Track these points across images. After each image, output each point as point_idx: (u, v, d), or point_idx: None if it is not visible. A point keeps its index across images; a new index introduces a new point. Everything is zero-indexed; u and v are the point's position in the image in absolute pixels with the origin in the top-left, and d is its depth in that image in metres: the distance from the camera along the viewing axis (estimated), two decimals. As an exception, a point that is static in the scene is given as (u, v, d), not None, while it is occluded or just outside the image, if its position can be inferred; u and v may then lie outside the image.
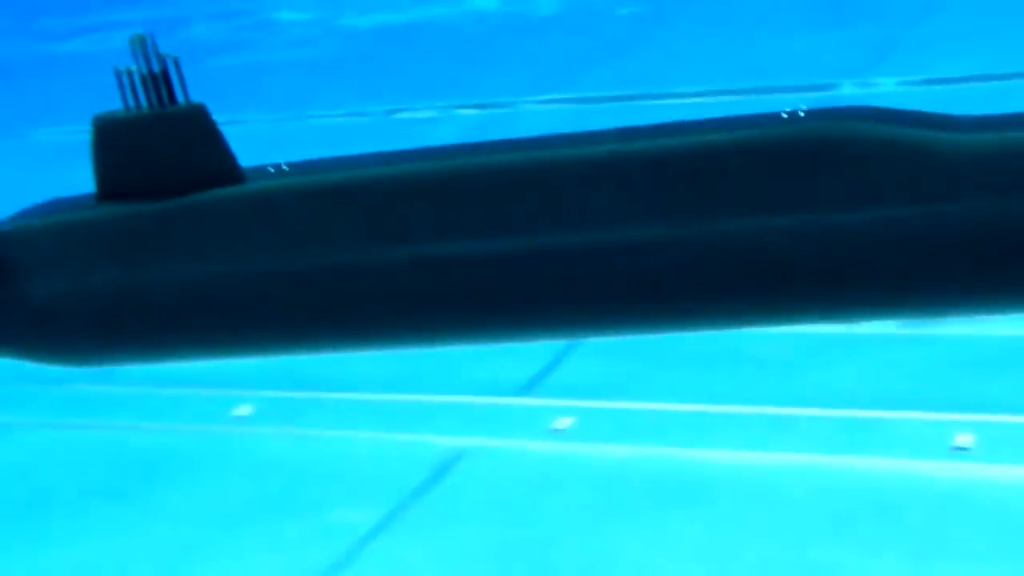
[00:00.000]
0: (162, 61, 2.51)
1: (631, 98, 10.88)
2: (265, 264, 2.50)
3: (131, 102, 2.52)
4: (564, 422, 6.06)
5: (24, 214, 2.68)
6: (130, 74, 2.51)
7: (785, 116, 2.35)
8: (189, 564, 5.44)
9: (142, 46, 2.50)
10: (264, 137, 11.28)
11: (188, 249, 2.54)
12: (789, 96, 9.98)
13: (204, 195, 2.52)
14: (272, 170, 2.58)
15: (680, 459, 5.63)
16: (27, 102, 14.09)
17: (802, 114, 2.35)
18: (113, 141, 2.57)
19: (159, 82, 2.51)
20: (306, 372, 6.93)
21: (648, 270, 2.35)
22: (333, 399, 6.56)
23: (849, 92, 10.23)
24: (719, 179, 2.32)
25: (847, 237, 2.28)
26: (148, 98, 2.51)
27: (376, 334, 2.58)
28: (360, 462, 6.04)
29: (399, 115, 11.57)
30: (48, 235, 2.63)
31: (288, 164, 2.60)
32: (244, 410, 6.64)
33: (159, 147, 2.54)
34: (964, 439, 5.50)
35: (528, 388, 6.35)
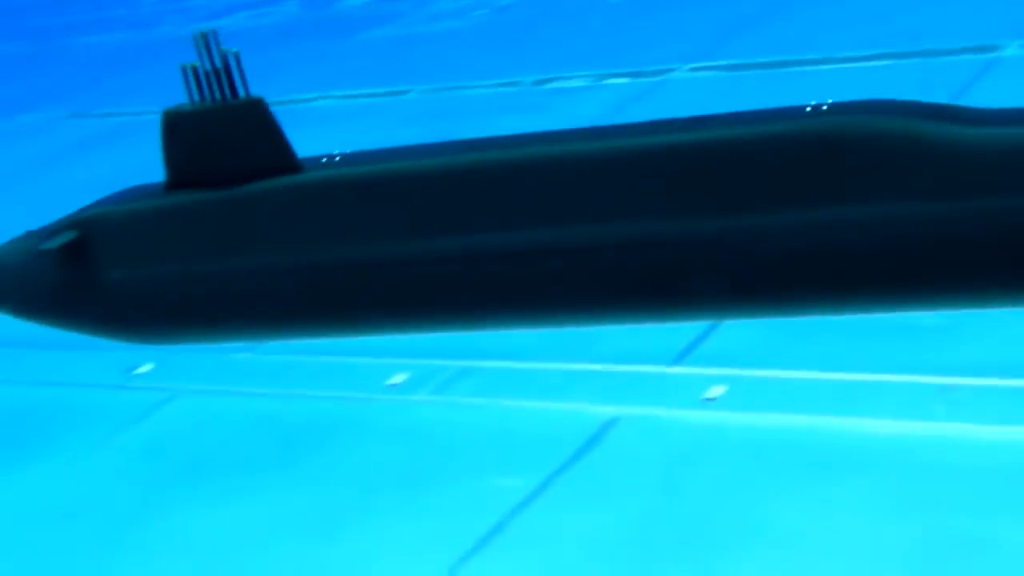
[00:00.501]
0: (224, 57, 2.63)
1: (782, 64, 10.72)
2: (320, 250, 2.60)
3: (196, 96, 2.66)
4: (716, 391, 6.02)
5: (103, 201, 2.87)
6: (195, 70, 2.65)
7: (809, 110, 2.36)
8: (344, 529, 5.54)
9: (205, 43, 2.62)
10: (420, 108, 11.38)
11: (248, 236, 2.67)
12: (944, 59, 9.74)
13: (263, 184, 2.64)
14: (326, 160, 2.69)
15: (835, 428, 5.56)
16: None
17: (825, 108, 2.36)
18: (179, 133, 2.72)
19: (221, 77, 2.63)
20: (460, 341, 6.98)
21: (674, 261, 2.40)
22: (486, 367, 6.60)
23: (1012, 53, 9.94)
24: (743, 173, 2.34)
25: (861, 230, 2.28)
26: (211, 92, 2.65)
27: (424, 318, 2.67)
28: (513, 430, 6.08)
29: (549, 85, 11.56)
30: (122, 222, 2.80)
31: (342, 154, 2.71)
32: (399, 378, 6.72)
33: (222, 139, 2.67)
34: None
35: (680, 357, 6.32)
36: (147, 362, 7.23)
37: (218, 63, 2.64)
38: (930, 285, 2.33)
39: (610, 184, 2.41)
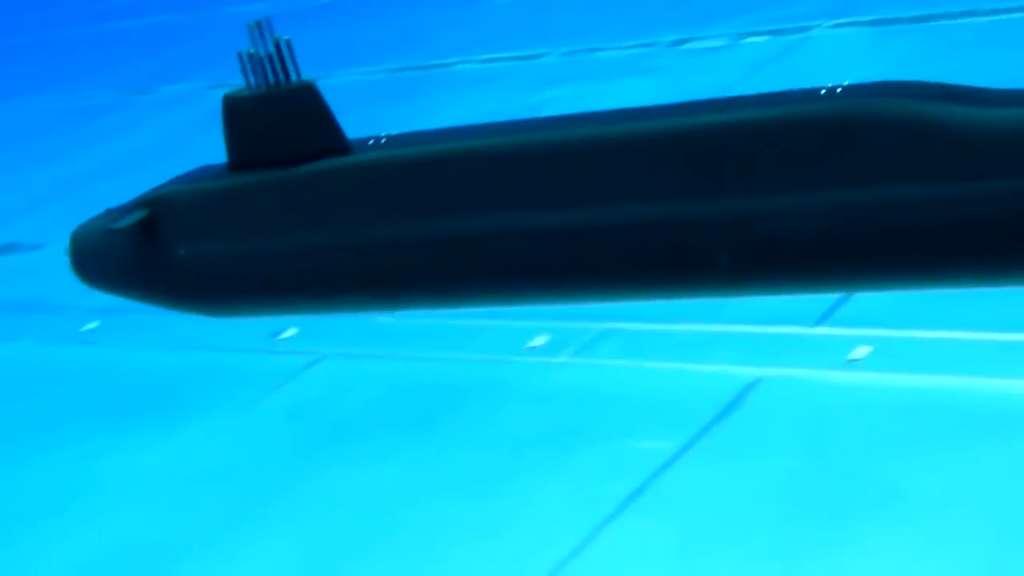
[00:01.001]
0: (277, 43, 2.78)
1: (926, 19, 10.47)
2: (367, 229, 2.74)
3: (252, 81, 2.82)
4: (861, 352, 5.93)
5: (173, 181, 3.08)
6: (251, 56, 2.79)
7: (823, 92, 2.40)
8: (487, 491, 5.59)
9: (259, 30, 2.76)
10: (557, 72, 11.36)
11: (301, 215, 2.81)
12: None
13: (315, 165, 2.78)
14: (372, 142, 2.83)
15: (983, 389, 5.45)
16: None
17: (839, 91, 2.40)
18: (238, 117, 2.90)
19: (275, 62, 2.78)
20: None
21: (691, 242, 2.49)
22: (628, 329, 6.59)
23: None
24: (759, 155, 2.39)
25: (874, 212, 2.32)
26: (266, 77, 2.80)
27: (464, 293, 2.82)
28: (655, 392, 6.06)
29: (687, 45, 11.45)
30: (186, 201, 3.00)
31: (388, 136, 2.84)
32: (540, 340, 6.74)
33: (276, 122, 2.83)
34: None
35: (824, 318, 6.24)
36: (291, 327, 7.36)
37: (271, 49, 2.77)
38: (946, 265, 2.37)
39: (643, 166, 2.49)
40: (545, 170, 2.56)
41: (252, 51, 2.81)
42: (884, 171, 2.31)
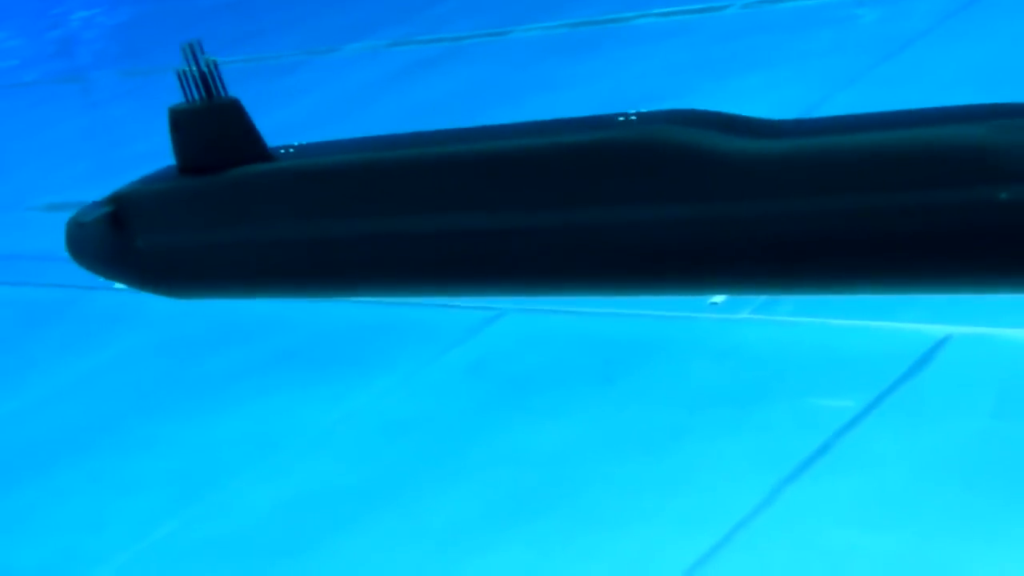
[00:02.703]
0: (208, 64, 3.27)
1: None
2: (285, 226, 3.23)
3: (188, 96, 3.31)
4: (1056, 310, 5.75)
5: (140, 180, 3.55)
6: (185, 74, 3.28)
7: (621, 120, 2.77)
8: (666, 447, 5.59)
9: (191, 51, 3.27)
10: (738, 24, 11.20)
11: (231, 213, 3.31)
12: None
13: (240, 170, 3.28)
14: (283, 151, 3.34)
15: None
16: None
17: (634, 118, 2.77)
18: (181, 127, 3.38)
19: (207, 80, 3.27)
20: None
21: (498, 251, 2.93)
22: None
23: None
24: (562, 175, 2.79)
25: (641, 232, 2.70)
26: (199, 92, 3.29)
27: (362, 285, 3.30)
28: (839, 350, 5.98)
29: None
30: (140, 199, 3.49)
31: (296, 145, 3.37)
32: (721, 297, 6.69)
33: (210, 132, 3.32)
34: None
35: (1016, 275, 6.06)
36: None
37: (203, 67, 3.26)
38: (713, 276, 2.76)
39: (477, 181, 2.93)
40: (420, 181, 3.04)
41: (185, 70, 3.29)
42: (661, 191, 2.68)
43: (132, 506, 6.39)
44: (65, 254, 3.74)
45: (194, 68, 3.26)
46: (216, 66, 3.27)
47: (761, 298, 6.56)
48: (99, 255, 3.64)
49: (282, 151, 3.34)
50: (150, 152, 13.05)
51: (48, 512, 6.57)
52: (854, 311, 6.21)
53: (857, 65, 9.35)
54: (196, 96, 3.30)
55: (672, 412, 5.86)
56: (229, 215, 3.33)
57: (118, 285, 3.77)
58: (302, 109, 12.80)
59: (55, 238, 4.02)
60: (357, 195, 3.12)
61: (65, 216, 3.66)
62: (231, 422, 6.89)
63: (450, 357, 6.87)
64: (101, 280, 3.93)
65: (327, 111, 12.57)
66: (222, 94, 3.31)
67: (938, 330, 5.82)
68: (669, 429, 5.72)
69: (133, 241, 3.48)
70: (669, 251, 2.72)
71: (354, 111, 12.36)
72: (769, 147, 2.59)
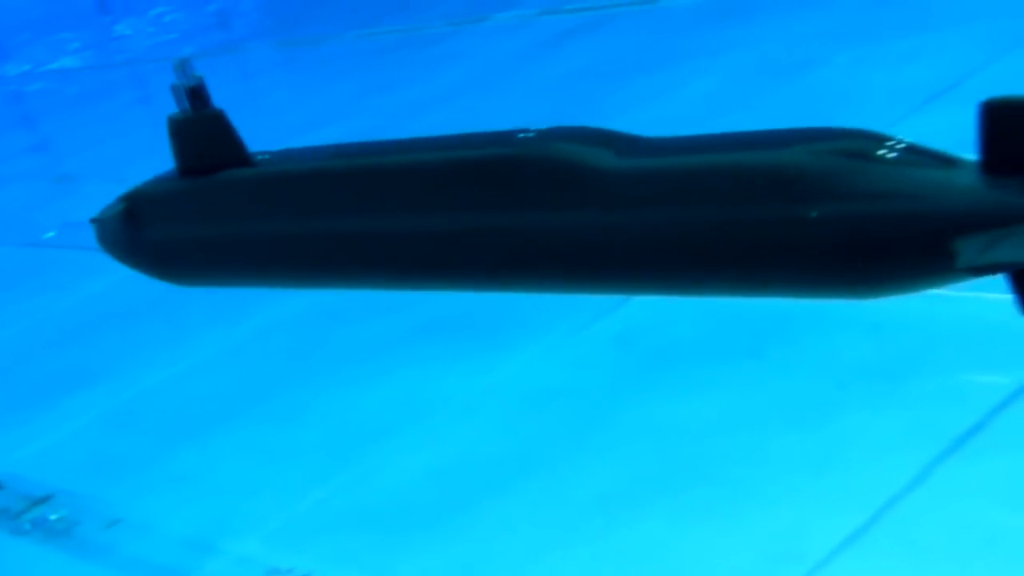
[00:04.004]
0: (195, 78, 3.65)
1: None
2: (260, 224, 3.64)
3: (182, 107, 3.68)
4: None
5: (148, 181, 3.94)
6: (179, 88, 3.65)
7: (520, 136, 3.16)
8: (815, 422, 5.51)
9: (182, 68, 3.65)
10: None
11: (216, 211, 3.74)
12: None
13: (223, 175, 3.70)
14: (259, 158, 3.72)
15: None
16: None
17: (533, 134, 3.15)
18: (178, 134, 3.76)
19: (195, 93, 3.65)
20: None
21: (421, 250, 3.35)
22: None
23: None
24: (468, 185, 3.20)
25: (524, 236, 3.10)
26: (191, 104, 3.67)
27: (332, 279, 3.69)
28: (994, 324, 5.80)
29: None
30: (148, 198, 3.91)
31: (271, 152, 3.75)
32: (871, 269, 6.56)
33: (199, 140, 3.74)
34: None
35: None
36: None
37: (193, 83, 3.65)
38: (573, 277, 3.15)
39: (407, 187, 3.36)
40: (361, 187, 3.45)
41: (178, 84, 3.67)
42: (544, 200, 3.05)
43: (283, 473, 6.50)
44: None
45: (185, 83, 3.67)
46: (204, 81, 3.70)
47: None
48: (118, 246, 4.06)
49: (259, 157, 3.77)
50: (303, 123, 13.29)
51: (201, 478, 6.71)
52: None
53: (1017, 28, 9.07)
54: (192, 106, 3.71)
55: (821, 387, 5.77)
56: (215, 213, 3.78)
57: None
58: (452, 79, 12.86)
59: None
60: (309, 198, 3.58)
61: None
62: (379, 391, 6.96)
63: (596, 328, 6.85)
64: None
65: (476, 80, 12.61)
66: (210, 106, 3.73)
67: (1100, 305, 5.62)
68: (817, 404, 5.64)
69: (143, 235, 3.95)
70: (553, 254, 3.10)
71: (503, 79, 12.38)
72: (631, 164, 2.96)
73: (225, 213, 3.73)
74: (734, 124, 9.45)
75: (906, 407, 5.41)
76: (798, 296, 2.94)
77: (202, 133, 3.74)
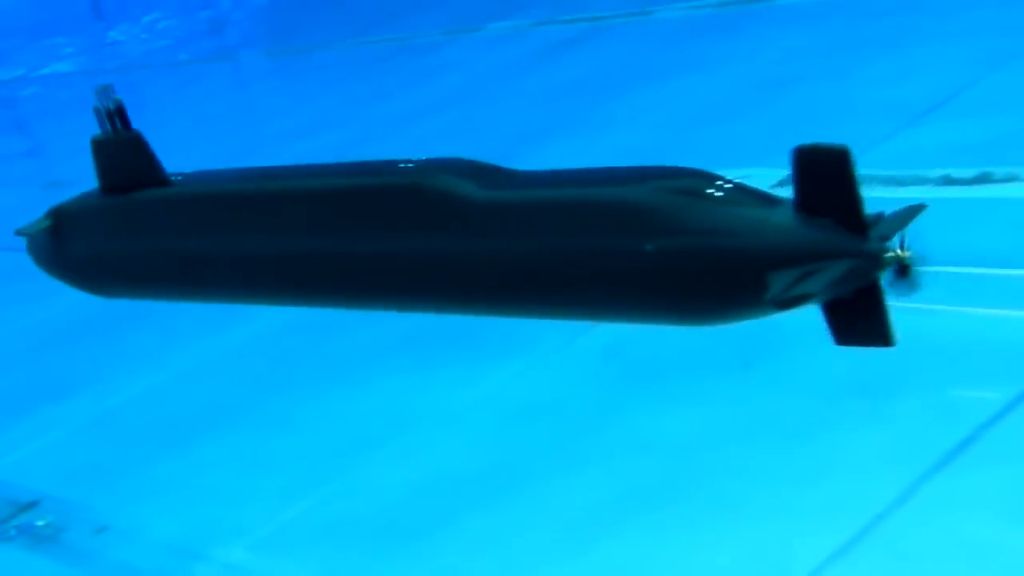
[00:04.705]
0: (116, 101, 3.86)
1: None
2: (179, 239, 3.85)
3: (104, 129, 3.90)
4: None
5: (72, 199, 4.13)
6: (99, 111, 3.87)
7: (400, 166, 3.45)
8: (803, 436, 5.49)
9: (104, 93, 3.86)
10: (882, 6, 10.96)
11: (132, 228, 3.95)
12: None
13: (140, 194, 3.91)
14: (173, 178, 3.94)
15: None
16: None
17: (411, 165, 3.43)
18: (101, 154, 3.97)
19: (114, 116, 3.87)
20: (925, 245, 6.72)
21: (320, 267, 3.58)
22: (952, 273, 6.32)
23: None
24: (353, 210, 3.47)
25: (393, 261, 3.38)
26: (112, 126, 3.89)
27: (241, 294, 3.93)
28: (983, 340, 5.80)
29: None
30: (71, 215, 4.10)
31: (183, 174, 3.98)
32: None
33: (119, 160, 3.95)
34: None
35: None
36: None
37: (112, 106, 3.85)
38: (440, 299, 3.44)
39: (296, 211, 3.62)
40: (255, 209, 3.70)
41: (99, 107, 3.87)
42: (412, 226, 3.32)
43: (269, 482, 6.48)
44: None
45: (108, 105, 3.88)
46: (123, 104, 3.90)
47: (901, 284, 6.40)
48: (45, 260, 4.25)
49: (174, 178, 3.98)
50: (294, 130, 13.25)
51: (188, 485, 6.69)
52: (997, 299, 6.03)
53: (1007, 46, 9.08)
54: (112, 128, 3.92)
55: (809, 401, 5.75)
56: (130, 231, 3.99)
57: None
58: (446, 88, 12.86)
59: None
60: (210, 218, 3.83)
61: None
62: (364, 402, 6.94)
63: (583, 341, 6.82)
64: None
65: (470, 90, 12.60)
66: (130, 129, 3.94)
67: (1087, 322, 5.63)
68: (805, 418, 5.62)
69: (66, 249, 4.14)
70: (420, 276, 3.38)
71: (497, 89, 12.37)
72: (492, 196, 3.23)
73: (139, 230, 3.96)
74: (726, 135, 9.49)
75: (894, 422, 5.40)
76: (640, 322, 3.18)
77: (122, 154, 3.94)
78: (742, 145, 8.99)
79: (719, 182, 2.97)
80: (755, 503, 5.16)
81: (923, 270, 2.86)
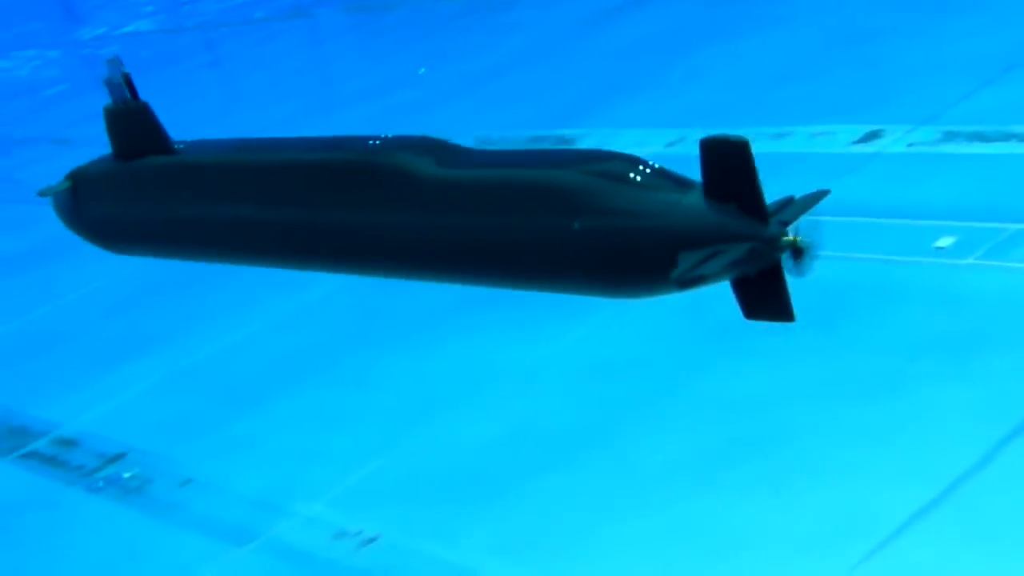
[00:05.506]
0: (124, 75, 4.21)
1: None
2: (172, 205, 4.21)
3: (116, 98, 4.25)
4: None
5: (90, 163, 4.51)
6: (111, 82, 4.19)
7: (370, 143, 3.78)
8: (886, 394, 5.45)
9: (114, 64, 4.20)
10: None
11: (139, 192, 4.32)
12: None
13: (146, 160, 4.28)
14: (178, 146, 4.29)
15: None
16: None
17: (377, 142, 3.76)
18: (112, 123, 4.34)
19: (125, 88, 4.22)
20: (1011, 203, 6.62)
21: (283, 237, 3.95)
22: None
23: None
24: (325, 182, 3.81)
25: (363, 231, 3.71)
26: (122, 96, 4.25)
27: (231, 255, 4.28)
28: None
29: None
30: (87, 177, 4.48)
31: (185, 141, 4.33)
32: (947, 241, 6.46)
33: (128, 128, 4.32)
34: None
35: None
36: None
37: (120, 79, 4.18)
38: (400, 266, 3.77)
39: (277, 182, 3.95)
40: (251, 179, 4.01)
41: (108, 78, 4.20)
42: (377, 198, 3.64)
43: (347, 439, 6.52)
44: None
45: (115, 78, 4.20)
46: (130, 77, 4.23)
47: (991, 242, 6.32)
48: (67, 218, 4.60)
49: (177, 146, 4.31)
50: (368, 88, 13.17)
51: (268, 442, 6.75)
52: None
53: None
54: (122, 99, 4.26)
55: (892, 359, 5.69)
56: (136, 194, 4.33)
57: None
58: (512, 48, 12.82)
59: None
60: (205, 184, 4.15)
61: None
62: (441, 359, 6.95)
63: (663, 297, 6.76)
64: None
65: (536, 50, 12.55)
66: (137, 99, 4.27)
67: None
68: (889, 376, 5.56)
69: (83, 209, 4.51)
70: (379, 245, 3.67)
71: (563, 49, 12.31)
72: (446, 174, 3.53)
73: (140, 195, 4.33)
74: (803, 90, 9.25)
75: (976, 382, 5.33)
76: (571, 293, 3.49)
77: (131, 123, 4.31)
78: (821, 102, 8.88)
79: (641, 167, 3.22)
80: (835, 462, 5.13)
81: (816, 253, 3.11)
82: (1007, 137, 7.47)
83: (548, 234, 3.31)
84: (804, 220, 3.10)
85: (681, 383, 6.00)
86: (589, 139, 9.39)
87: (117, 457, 6.99)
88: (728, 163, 3.05)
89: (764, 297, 3.36)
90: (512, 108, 10.92)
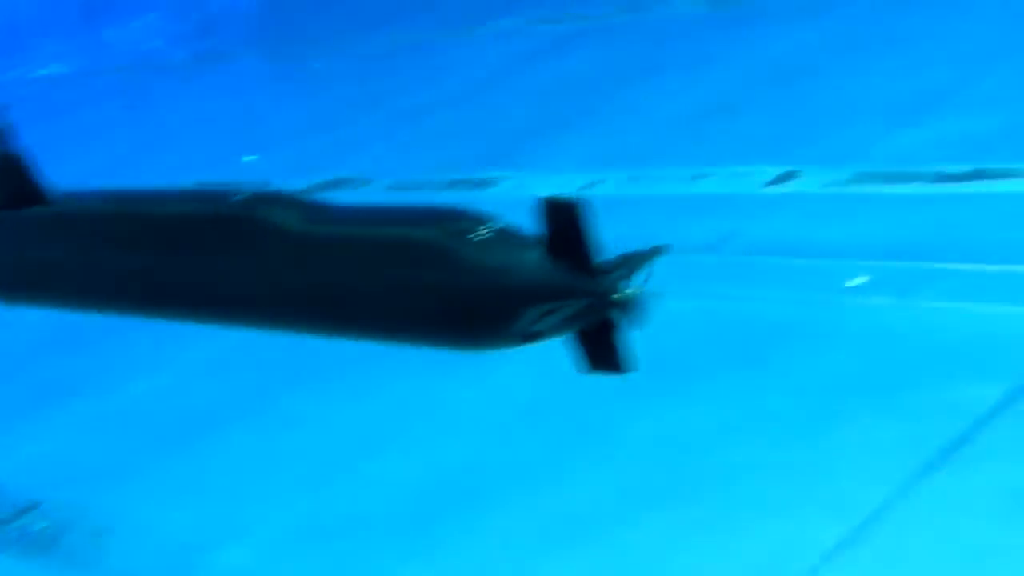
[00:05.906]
0: (4, 121, 4.38)
1: None
2: (54, 252, 4.34)
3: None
4: None
5: None
6: None
7: (233, 198, 3.90)
8: (805, 433, 5.52)
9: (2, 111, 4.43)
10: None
11: (16, 242, 4.43)
12: None
13: (23, 211, 4.43)
14: (50, 197, 4.43)
15: None
16: None
17: (240, 198, 3.87)
18: None
19: (2, 137, 4.35)
20: (923, 242, 6.75)
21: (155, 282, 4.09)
22: (955, 270, 6.35)
23: None
24: (187, 233, 3.97)
25: (220, 280, 3.86)
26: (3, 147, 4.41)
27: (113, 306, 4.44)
28: (984, 336, 5.83)
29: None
30: None
31: (65, 193, 4.47)
32: (859, 280, 6.58)
33: (6, 179, 4.44)
34: None
35: None
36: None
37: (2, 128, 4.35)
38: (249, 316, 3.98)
39: (143, 233, 4.14)
40: (119, 230, 4.18)
41: None
42: (234, 251, 3.75)
43: (273, 482, 6.49)
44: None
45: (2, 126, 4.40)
46: (10, 127, 4.43)
47: (903, 281, 6.44)
48: None
49: (57, 196, 4.44)
50: (286, 131, 13.07)
51: (190, 487, 6.69)
52: (1000, 295, 6.06)
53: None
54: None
55: (809, 398, 5.77)
56: (14, 243, 4.47)
57: None
58: (445, 88, 12.86)
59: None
60: (75, 236, 4.29)
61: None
62: (369, 401, 6.94)
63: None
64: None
65: (469, 89, 12.61)
66: (14, 150, 4.44)
67: (1088, 317, 5.65)
68: (807, 415, 5.65)
69: None
70: (239, 297, 3.80)
71: (497, 88, 12.38)
72: (308, 230, 3.66)
73: (22, 243, 4.49)
74: (722, 131, 9.40)
75: (895, 418, 5.43)
76: (416, 346, 3.68)
77: (8, 174, 4.45)
78: (739, 142, 9.02)
79: (486, 226, 3.35)
80: (764, 498, 5.19)
81: (652, 305, 3.24)
82: (918, 178, 7.63)
83: (402, 291, 3.44)
84: (641, 275, 3.20)
85: (611, 424, 6.03)
86: (508, 182, 9.44)
87: (28, 508, 6.87)
88: (564, 221, 3.15)
89: (602, 350, 3.45)
90: (433, 151, 10.96)
